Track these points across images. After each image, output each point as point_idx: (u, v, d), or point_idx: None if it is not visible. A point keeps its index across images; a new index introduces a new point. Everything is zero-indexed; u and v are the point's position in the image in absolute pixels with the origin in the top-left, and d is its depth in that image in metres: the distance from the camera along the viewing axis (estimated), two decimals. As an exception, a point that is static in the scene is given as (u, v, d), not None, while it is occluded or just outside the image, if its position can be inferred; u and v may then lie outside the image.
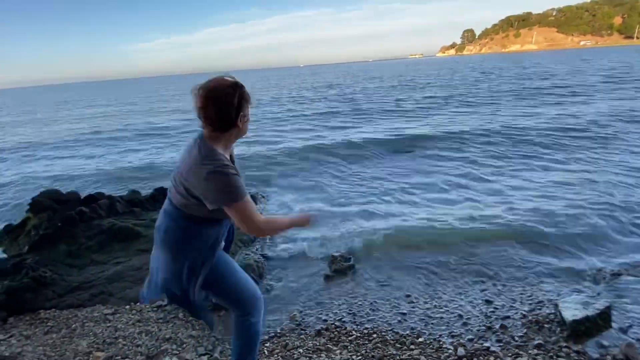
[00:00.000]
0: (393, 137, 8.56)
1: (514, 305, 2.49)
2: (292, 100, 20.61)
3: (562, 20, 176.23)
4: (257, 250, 3.52)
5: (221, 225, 1.40)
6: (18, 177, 7.56)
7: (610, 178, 4.90)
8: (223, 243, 1.49)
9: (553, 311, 2.36)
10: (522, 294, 2.62)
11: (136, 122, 15.43)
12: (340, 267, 3.04)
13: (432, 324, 2.34)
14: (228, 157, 1.33)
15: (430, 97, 16.68)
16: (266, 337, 2.28)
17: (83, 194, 4.25)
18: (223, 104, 1.23)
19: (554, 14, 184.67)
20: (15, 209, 5.09)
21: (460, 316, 2.39)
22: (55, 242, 3.26)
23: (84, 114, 21.66)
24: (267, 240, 3.73)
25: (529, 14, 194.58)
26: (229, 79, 1.27)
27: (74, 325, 2.40)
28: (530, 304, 2.50)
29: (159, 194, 4.39)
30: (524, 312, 2.39)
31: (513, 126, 8.72)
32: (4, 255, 3.45)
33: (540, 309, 2.42)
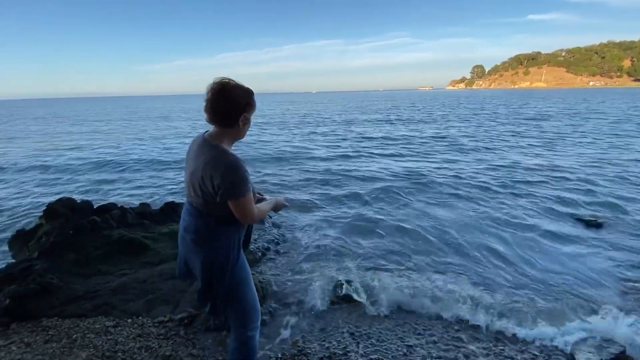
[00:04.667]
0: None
1: (524, 346, 2.40)
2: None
3: (571, 61, 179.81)
4: (261, 271, 3.49)
5: (239, 225, 1.46)
6: None
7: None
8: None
9: (566, 354, 2.26)
10: (533, 334, 2.52)
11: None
12: (346, 294, 2.99)
13: (438, 359, 2.26)
14: None
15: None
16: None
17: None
18: (231, 100, 1.33)
19: (563, 54, 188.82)
20: None
21: (467, 355, 2.30)
22: (64, 249, 3.30)
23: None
24: (272, 262, 3.70)
25: (539, 53, 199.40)
26: (243, 84, 1.39)
27: (74, 336, 2.38)
28: (542, 345, 2.40)
29: (169, 208, 4.44)
30: (534, 354, 2.30)
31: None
32: (13, 260, 3.48)
33: (552, 351, 2.32)
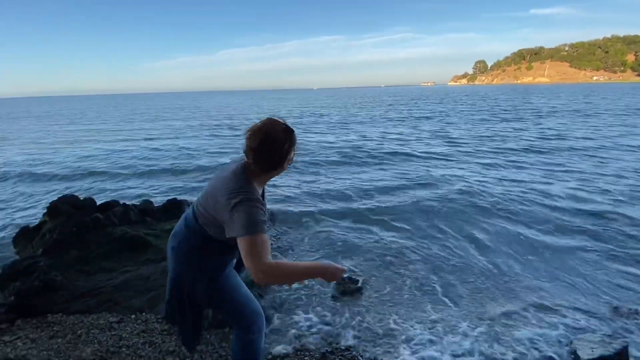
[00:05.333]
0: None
1: (527, 341, 2.40)
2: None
3: (575, 55, 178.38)
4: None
5: (234, 254, 1.42)
6: None
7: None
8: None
9: (568, 349, 2.27)
10: (535, 330, 2.53)
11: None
12: (348, 289, 3.00)
13: (440, 352, 2.27)
14: (260, 192, 1.36)
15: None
16: (269, 357, 2.24)
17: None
18: (274, 149, 1.26)
19: (566, 49, 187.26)
20: None
21: (471, 351, 2.31)
22: (68, 246, 3.32)
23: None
24: (276, 258, 3.72)
25: (542, 48, 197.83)
26: (281, 122, 1.31)
27: (79, 332, 2.40)
28: (544, 341, 2.41)
29: (171, 205, 4.45)
30: (537, 349, 2.30)
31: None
32: (17, 257, 3.51)
33: (554, 346, 2.33)
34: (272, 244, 4.03)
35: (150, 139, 14.44)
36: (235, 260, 1.52)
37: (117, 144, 13.18)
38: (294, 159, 1.38)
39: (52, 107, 57.68)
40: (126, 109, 42.72)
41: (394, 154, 9.90)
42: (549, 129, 14.00)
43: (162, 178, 8.14)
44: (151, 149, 11.88)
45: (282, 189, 6.52)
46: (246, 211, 1.21)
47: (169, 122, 23.14)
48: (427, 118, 20.62)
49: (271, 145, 1.26)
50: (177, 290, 1.44)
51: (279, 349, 2.33)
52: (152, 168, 9.07)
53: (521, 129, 14.23)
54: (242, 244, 1.20)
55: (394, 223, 4.72)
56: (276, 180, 6.72)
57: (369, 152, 10.20)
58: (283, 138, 1.28)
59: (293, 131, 1.33)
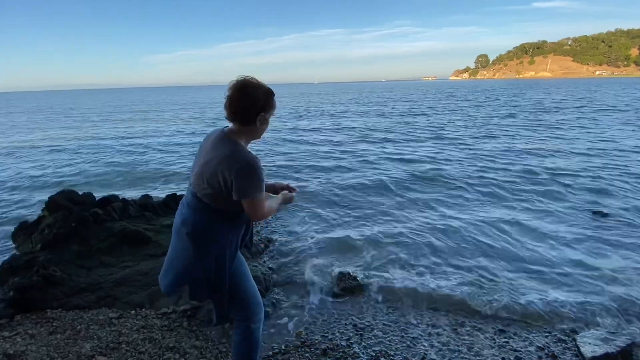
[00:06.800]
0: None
1: (529, 337, 2.39)
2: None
3: (578, 50, 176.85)
4: (264, 262, 3.49)
5: (241, 219, 1.46)
6: None
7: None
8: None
9: (571, 346, 2.25)
10: (538, 327, 2.51)
11: None
12: (348, 286, 2.98)
13: (441, 351, 2.26)
14: None
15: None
16: (270, 353, 2.23)
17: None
18: (250, 98, 1.35)
19: (569, 43, 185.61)
20: None
21: (471, 346, 2.30)
22: (67, 241, 3.30)
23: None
24: (275, 254, 3.70)
25: (544, 42, 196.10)
26: (265, 84, 1.39)
27: (78, 327, 2.38)
28: (546, 337, 2.39)
29: (171, 200, 4.43)
30: (539, 346, 2.29)
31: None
32: (17, 252, 3.49)
33: (557, 343, 2.31)
34: (273, 240, 4.01)
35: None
36: (243, 231, 1.54)
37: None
38: (270, 121, 1.45)
39: (46, 101, 57.26)
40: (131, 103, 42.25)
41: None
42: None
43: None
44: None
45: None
46: (247, 176, 1.30)
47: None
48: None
49: (248, 95, 1.34)
50: (201, 275, 1.43)
51: (280, 345, 2.31)
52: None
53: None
54: (246, 203, 1.35)
55: (395, 217, 4.70)
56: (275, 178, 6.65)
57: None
58: (260, 94, 1.36)
59: (272, 93, 1.41)
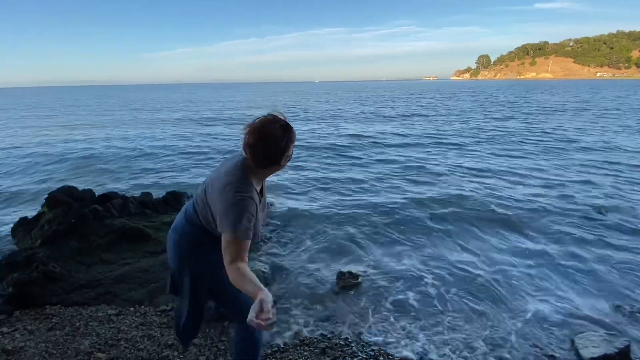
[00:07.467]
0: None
1: (528, 339, 2.39)
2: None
3: (579, 51, 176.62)
4: (264, 259, 3.49)
5: None
6: None
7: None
8: None
9: (570, 347, 2.25)
10: (537, 329, 2.51)
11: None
12: (348, 284, 2.98)
13: (438, 349, 2.26)
14: (259, 190, 1.36)
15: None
16: (269, 351, 2.23)
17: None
18: (271, 145, 1.26)
19: (570, 44, 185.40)
20: None
21: (468, 345, 2.30)
22: (67, 238, 3.30)
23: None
24: (274, 252, 3.70)
25: (546, 43, 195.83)
26: (280, 118, 1.30)
27: (77, 324, 2.38)
28: (545, 339, 2.39)
29: (171, 198, 4.43)
30: (539, 348, 2.29)
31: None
32: (16, 248, 3.49)
33: (556, 344, 2.31)
34: (273, 238, 4.01)
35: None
36: None
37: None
38: (292, 155, 1.36)
39: (46, 97, 56.95)
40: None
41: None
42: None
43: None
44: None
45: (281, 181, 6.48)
46: (237, 211, 1.23)
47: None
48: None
49: (268, 142, 1.25)
50: (179, 283, 1.46)
51: (279, 343, 2.31)
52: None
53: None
54: (224, 238, 1.24)
55: (397, 218, 4.70)
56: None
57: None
58: (281, 135, 1.27)
59: (291, 128, 1.32)
